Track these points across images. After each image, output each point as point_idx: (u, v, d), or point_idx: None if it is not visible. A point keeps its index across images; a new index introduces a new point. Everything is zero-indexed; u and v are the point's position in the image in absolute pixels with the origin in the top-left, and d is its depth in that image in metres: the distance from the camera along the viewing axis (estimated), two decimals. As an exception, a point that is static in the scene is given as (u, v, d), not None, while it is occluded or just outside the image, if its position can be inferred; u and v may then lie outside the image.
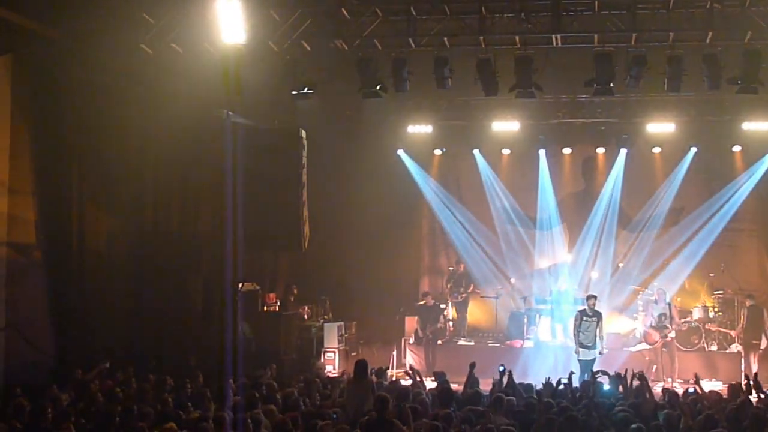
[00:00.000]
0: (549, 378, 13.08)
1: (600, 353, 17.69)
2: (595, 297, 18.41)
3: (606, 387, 12.90)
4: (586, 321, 17.90)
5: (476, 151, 23.13)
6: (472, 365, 13.28)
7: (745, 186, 22.07)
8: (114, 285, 16.77)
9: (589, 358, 17.53)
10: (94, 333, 15.98)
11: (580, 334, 17.90)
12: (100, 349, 15.47)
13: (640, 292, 21.49)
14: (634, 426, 10.00)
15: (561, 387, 12.66)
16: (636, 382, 12.40)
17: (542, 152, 22.82)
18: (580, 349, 17.84)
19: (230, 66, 14.36)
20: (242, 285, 18.75)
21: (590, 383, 13.01)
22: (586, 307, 18.13)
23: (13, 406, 11.43)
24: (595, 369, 14.19)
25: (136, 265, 17.32)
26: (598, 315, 17.95)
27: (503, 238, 23.18)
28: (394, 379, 14.19)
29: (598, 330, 17.81)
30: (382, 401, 10.32)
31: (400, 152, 23.24)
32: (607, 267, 22.50)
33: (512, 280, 22.88)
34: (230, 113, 17.07)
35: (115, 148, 16.65)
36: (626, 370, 13.01)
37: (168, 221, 18.22)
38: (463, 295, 22.17)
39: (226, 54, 14.26)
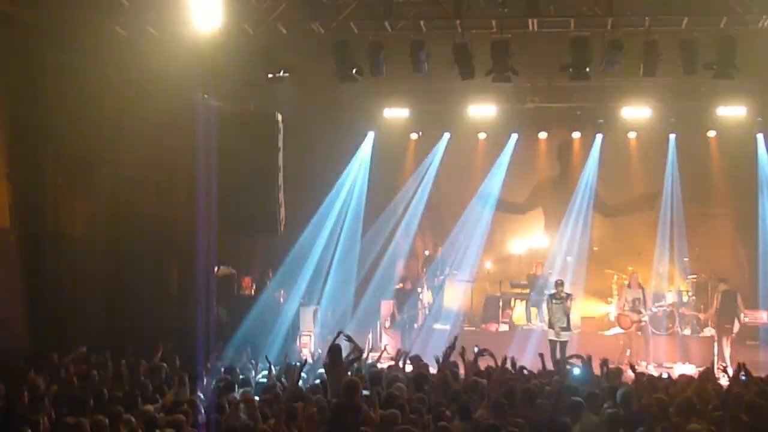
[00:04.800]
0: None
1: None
2: (562, 282, 18.73)
3: (576, 372, 12.95)
4: (555, 304, 18.25)
5: (446, 135, 23.10)
6: (452, 346, 13.26)
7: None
8: (89, 268, 16.68)
9: (560, 339, 17.87)
10: (69, 317, 15.90)
11: (551, 317, 18.38)
12: (76, 333, 15.41)
13: (614, 277, 21.63)
14: (610, 411, 10.09)
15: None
16: (604, 368, 12.54)
17: (514, 136, 22.82)
18: (551, 330, 18.35)
19: (205, 49, 14.28)
20: (218, 269, 18.70)
21: (561, 363, 13.13)
22: (555, 291, 18.44)
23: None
24: (568, 352, 14.33)
25: (112, 248, 17.21)
26: (566, 298, 18.25)
27: (479, 222, 23.20)
28: (369, 362, 14.20)
29: (567, 312, 18.13)
30: (350, 386, 10.30)
31: (369, 135, 23.14)
32: (582, 251, 22.60)
33: (487, 264, 22.93)
34: (205, 96, 16.99)
35: (90, 131, 16.52)
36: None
37: (143, 205, 18.05)
38: (440, 278, 22.24)
39: (202, 37, 14.20)
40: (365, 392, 10.66)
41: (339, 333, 13.52)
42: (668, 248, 22.04)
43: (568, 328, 18.36)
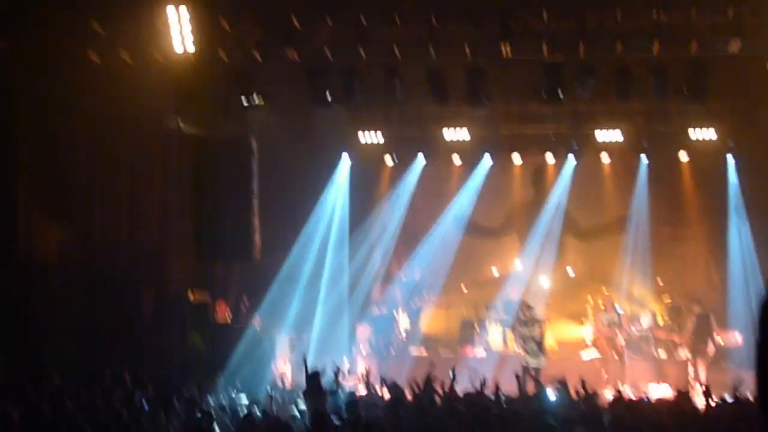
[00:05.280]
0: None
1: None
2: (529, 306, 18.88)
3: (552, 396, 12.94)
4: (525, 329, 18.23)
5: (420, 157, 23.12)
6: (429, 373, 13.28)
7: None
8: (63, 296, 16.60)
9: (531, 365, 17.82)
10: (44, 346, 15.80)
11: (522, 342, 18.33)
12: (50, 362, 15.28)
13: (589, 299, 21.65)
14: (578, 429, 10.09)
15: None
16: (581, 391, 12.56)
17: (487, 157, 22.81)
18: (523, 355, 18.26)
19: (180, 75, 14.28)
20: (193, 296, 18.58)
21: (537, 390, 13.14)
22: (523, 316, 18.49)
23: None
24: (545, 376, 14.33)
25: (86, 275, 17.13)
26: (534, 323, 18.25)
27: (455, 246, 23.17)
28: (348, 390, 14.17)
29: (537, 338, 18.12)
30: (320, 417, 10.32)
31: (343, 158, 23.08)
32: (556, 275, 22.70)
33: (463, 288, 22.93)
34: (180, 122, 16.97)
35: (64, 157, 16.49)
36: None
37: (118, 231, 18.01)
38: (416, 303, 22.22)
39: (176, 63, 14.20)
40: (336, 422, 10.67)
41: (304, 358, 13.55)
42: (640, 270, 22.12)
43: (539, 353, 18.15)
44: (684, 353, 20.12)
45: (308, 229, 22.03)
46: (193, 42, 14.15)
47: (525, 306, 18.87)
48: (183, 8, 14.73)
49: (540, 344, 18.21)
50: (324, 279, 22.19)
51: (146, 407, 12.94)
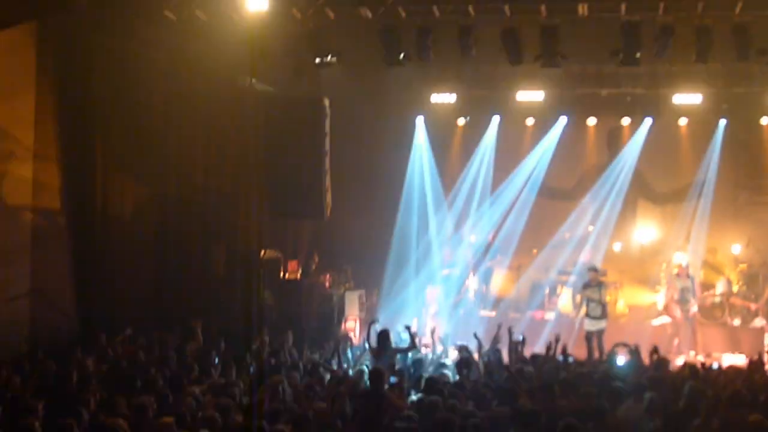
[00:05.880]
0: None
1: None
2: (596, 269, 18.76)
3: (621, 361, 12.80)
4: (588, 291, 18.21)
5: (495, 119, 22.93)
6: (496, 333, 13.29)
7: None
8: (138, 250, 16.87)
9: (595, 329, 17.66)
10: (117, 298, 16.09)
11: (585, 303, 18.24)
12: (124, 314, 15.60)
13: (663, 265, 21.34)
14: (647, 395, 9.95)
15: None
16: (652, 357, 12.39)
17: (563, 119, 22.56)
18: (586, 319, 18.09)
19: (254, 33, 14.27)
20: (264, 252, 18.76)
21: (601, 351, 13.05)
22: (588, 279, 18.44)
23: (40, 369, 11.61)
24: (615, 340, 14.18)
25: (160, 230, 17.38)
26: (600, 286, 18.20)
27: (527, 209, 22.98)
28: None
29: (601, 301, 18.07)
30: (376, 375, 10.40)
31: (419, 120, 23.04)
32: (629, 239, 22.41)
33: (534, 251, 22.78)
34: (254, 81, 17.02)
35: (139, 114, 16.71)
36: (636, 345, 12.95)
37: (192, 188, 18.21)
38: (487, 264, 22.14)
39: (250, 21, 14.18)
40: (393, 380, 10.78)
41: (373, 321, 13.63)
42: (716, 236, 21.73)
43: (602, 317, 18.03)
44: (760, 321, 19.77)
45: (392, 191, 22.09)
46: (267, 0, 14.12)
47: (591, 269, 18.69)
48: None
49: (603, 307, 18.06)
50: (398, 240, 22.27)
51: (217, 361, 13.19)
